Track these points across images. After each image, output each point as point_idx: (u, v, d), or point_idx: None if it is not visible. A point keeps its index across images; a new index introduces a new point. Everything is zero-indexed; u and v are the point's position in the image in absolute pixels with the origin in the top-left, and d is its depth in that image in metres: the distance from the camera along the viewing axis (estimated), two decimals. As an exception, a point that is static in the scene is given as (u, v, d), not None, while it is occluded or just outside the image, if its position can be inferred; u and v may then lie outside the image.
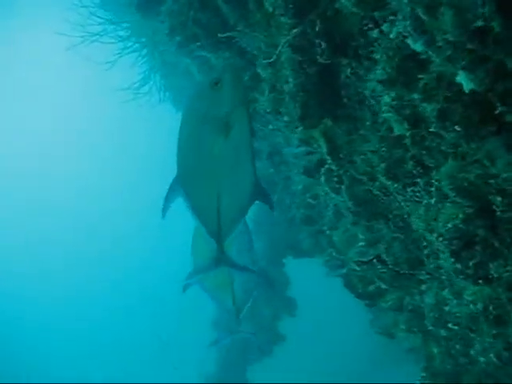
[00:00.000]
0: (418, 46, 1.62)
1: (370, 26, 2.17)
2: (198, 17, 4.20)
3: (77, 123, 18.43)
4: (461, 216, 2.13)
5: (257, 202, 2.63)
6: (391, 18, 1.77)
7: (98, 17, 6.51)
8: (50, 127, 18.75)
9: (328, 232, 6.23)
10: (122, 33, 6.54)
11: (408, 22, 1.58)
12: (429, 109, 1.82)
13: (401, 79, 1.94)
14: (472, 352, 3.16)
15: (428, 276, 3.71)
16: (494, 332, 2.70)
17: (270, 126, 6.20)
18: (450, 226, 2.27)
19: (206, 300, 4.10)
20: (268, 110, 4.52)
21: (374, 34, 2.14)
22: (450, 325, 3.28)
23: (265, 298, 11.74)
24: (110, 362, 15.21)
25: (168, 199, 2.61)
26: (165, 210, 2.63)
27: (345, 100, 2.96)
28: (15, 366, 15.04)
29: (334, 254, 7.15)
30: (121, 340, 16.29)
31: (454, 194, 2.04)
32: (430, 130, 1.91)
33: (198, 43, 4.35)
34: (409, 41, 1.67)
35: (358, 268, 4.60)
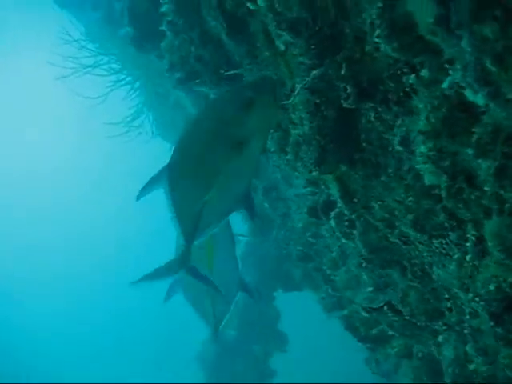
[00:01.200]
0: (478, 99, 1.44)
1: (405, 70, 1.99)
2: (199, 53, 4.03)
3: (64, 155, 18.30)
4: (510, 280, 1.93)
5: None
6: (446, 66, 1.59)
7: (89, 49, 6.35)
8: (37, 158, 18.58)
9: (328, 271, 6.02)
10: (114, 65, 6.37)
11: (470, 73, 1.39)
12: (484, 166, 1.63)
13: (447, 131, 1.76)
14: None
15: (445, 327, 3.50)
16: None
17: (270, 162, 6.04)
18: (492, 288, 2.07)
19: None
20: (272, 150, 4.34)
21: (411, 79, 1.96)
22: (475, 384, 3.05)
23: (256, 333, 11.48)
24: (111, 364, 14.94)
25: (148, 186, 2.36)
26: (140, 196, 2.38)
27: (364, 144, 2.79)
28: (15, 365, 14.70)
29: (330, 291, 6.94)
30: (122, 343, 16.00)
31: (502, 256, 1.84)
32: (486, 188, 1.72)
33: (199, 80, 4.18)
34: (467, 92, 1.49)
35: (366, 315, 4.37)
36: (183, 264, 2.34)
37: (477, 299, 2.26)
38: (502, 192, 1.68)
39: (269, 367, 12.00)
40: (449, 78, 1.55)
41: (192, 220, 2.22)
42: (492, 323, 2.18)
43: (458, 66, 1.46)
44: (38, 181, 19.54)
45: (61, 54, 6.42)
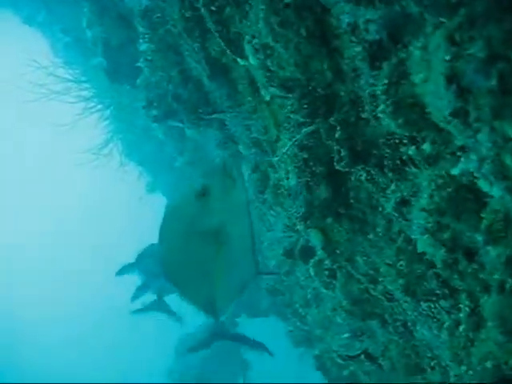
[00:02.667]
0: (494, 191, 1.38)
1: (405, 141, 1.94)
2: (177, 91, 3.92)
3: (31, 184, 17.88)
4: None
5: None
6: (458, 154, 1.53)
7: (58, 76, 6.15)
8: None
9: (300, 310, 5.93)
10: (84, 93, 6.19)
11: (486, 166, 1.33)
12: (493, 253, 1.57)
13: (452, 211, 1.70)
14: None
15: (424, 382, 3.44)
16: None
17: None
18: (489, 366, 2.00)
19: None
20: (249, 190, 4.25)
21: (410, 150, 1.91)
22: None
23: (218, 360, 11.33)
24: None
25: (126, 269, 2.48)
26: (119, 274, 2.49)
27: (352, 201, 2.72)
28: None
29: (298, 324, 6.84)
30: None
31: (504, 340, 1.79)
32: (495, 276, 1.66)
33: (177, 118, 4.07)
34: (481, 182, 1.43)
35: (342, 362, 4.29)
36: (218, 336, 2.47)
37: (470, 372, 2.19)
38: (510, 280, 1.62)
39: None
40: (461, 166, 1.50)
41: (211, 308, 2.29)
42: (486, 399, 2.12)
43: (473, 157, 1.40)
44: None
45: (26, 76, 6.20)
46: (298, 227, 2.91)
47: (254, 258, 2.47)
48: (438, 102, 1.38)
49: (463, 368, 2.25)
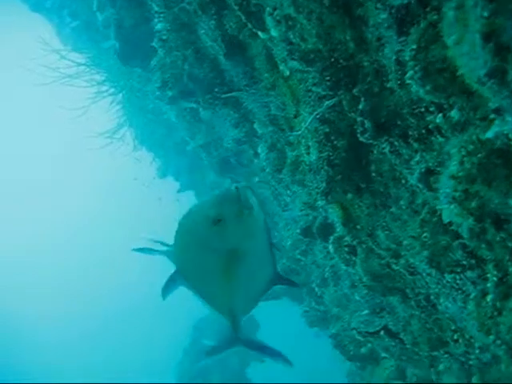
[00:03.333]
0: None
1: (431, 109, 1.91)
2: (193, 71, 3.90)
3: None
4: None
5: None
6: (491, 117, 1.51)
7: (71, 60, 6.14)
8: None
9: (316, 289, 5.94)
10: (96, 77, 6.18)
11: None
12: (527, 218, 1.56)
13: (482, 177, 1.68)
14: None
15: (447, 355, 3.44)
16: None
17: (257, 178, 5.93)
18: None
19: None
20: (267, 170, 4.24)
21: (438, 118, 1.88)
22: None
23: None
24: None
25: (168, 288, 2.38)
26: (165, 295, 2.41)
27: (373, 174, 2.71)
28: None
29: (313, 304, 6.87)
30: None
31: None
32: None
33: (192, 99, 4.05)
34: (516, 144, 1.41)
35: (361, 338, 4.30)
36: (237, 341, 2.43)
37: (498, 342, 2.19)
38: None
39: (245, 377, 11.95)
40: (495, 129, 1.47)
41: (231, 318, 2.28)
42: (514, 366, 2.12)
43: (509, 118, 1.38)
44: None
45: (37, 61, 6.19)
46: (319, 202, 2.90)
47: (272, 269, 2.46)
48: (473, 62, 1.35)
49: (491, 338, 2.24)
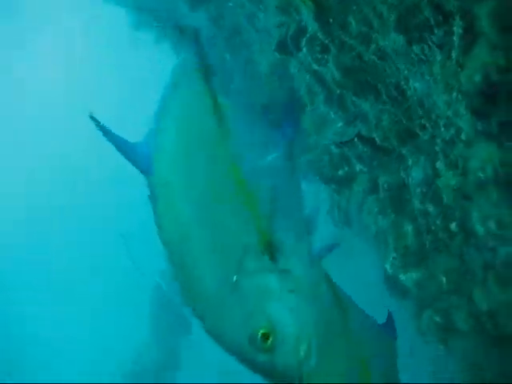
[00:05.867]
0: None
1: None
2: None
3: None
4: (502, 62, 1.87)
5: None
6: None
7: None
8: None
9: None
10: None
11: None
12: None
13: None
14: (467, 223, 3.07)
15: (414, 150, 3.55)
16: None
17: (230, 4, 5.68)
18: (477, 79, 2.01)
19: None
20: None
21: None
22: (444, 197, 3.15)
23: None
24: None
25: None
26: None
27: None
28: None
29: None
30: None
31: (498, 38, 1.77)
32: None
33: None
34: None
35: (336, 151, 4.42)
36: None
37: (460, 97, 2.23)
38: None
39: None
40: None
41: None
42: (474, 118, 2.18)
43: None
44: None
45: None
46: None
47: None
48: None
49: (454, 95, 2.28)
